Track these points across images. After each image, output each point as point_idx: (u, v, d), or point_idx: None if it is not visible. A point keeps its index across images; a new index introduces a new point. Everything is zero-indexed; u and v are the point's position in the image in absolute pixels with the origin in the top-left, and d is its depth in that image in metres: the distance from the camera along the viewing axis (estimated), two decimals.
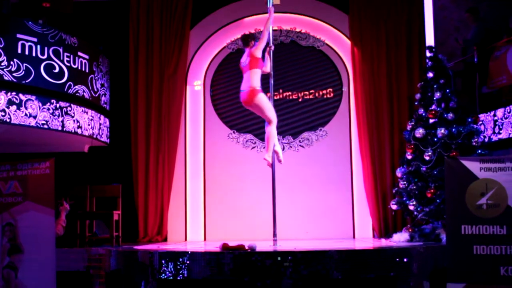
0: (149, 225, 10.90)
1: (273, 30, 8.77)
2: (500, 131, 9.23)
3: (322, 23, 11.46)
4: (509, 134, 9.01)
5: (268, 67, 8.85)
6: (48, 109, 8.85)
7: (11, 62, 8.49)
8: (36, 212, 6.95)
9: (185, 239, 11.04)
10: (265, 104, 8.57)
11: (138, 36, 11.32)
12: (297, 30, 11.47)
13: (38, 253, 6.86)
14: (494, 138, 9.39)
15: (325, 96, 11.38)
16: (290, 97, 11.32)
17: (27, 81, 8.63)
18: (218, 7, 11.52)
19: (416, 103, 9.93)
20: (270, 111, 8.62)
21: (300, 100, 11.34)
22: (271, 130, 8.64)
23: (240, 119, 11.35)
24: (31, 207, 6.98)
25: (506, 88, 9.58)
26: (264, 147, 10.91)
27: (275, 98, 10.48)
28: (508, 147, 9.40)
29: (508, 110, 9.05)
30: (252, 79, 8.53)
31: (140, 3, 11.37)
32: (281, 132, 10.77)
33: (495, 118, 9.38)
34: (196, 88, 11.47)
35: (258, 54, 8.59)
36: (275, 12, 8.93)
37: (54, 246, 6.91)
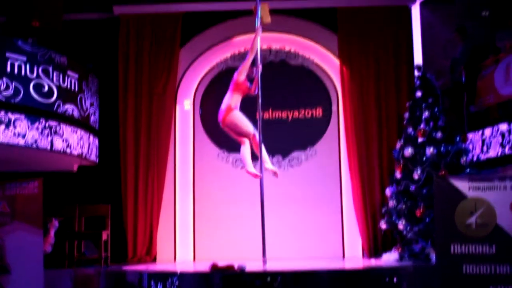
0: (138, 245, 10.84)
1: (263, 50, 8.81)
2: (488, 150, 9.27)
3: (311, 42, 11.51)
4: (497, 153, 9.05)
5: (253, 89, 8.82)
6: (37, 128, 8.82)
7: (0, 81, 8.47)
8: (24, 232, 6.92)
9: (175, 259, 10.98)
10: (239, 119, 8.55)
11: (128, 55, 11.34)
12: (287, 49, 11.52)
13: (26, 274, 6.82)
14: (483, 157, 9.42)
15: (314, 115, 11.41)
16: (280, 117, 11.33)
17: (16, 100, 8.60)
18: (208, 27, 11.56)
19: (404, 122, 9.98)
20: (245, 126, 8.58)
21: (289, 119, 11.37)
22: (244, 149, 8.64)
23: (230, 138, 11.32)
24: (19, 227, 6.94)
25: (494, 107, 9.64)
26: (253, 167, 10.94)
27: (265, 117, 10.52)
28: (496, 166, 9.44)
29: (496, 129, 9.10)
30: (230, 99, 8.54)
31: (130, 22, 11.40)
32: (271, 151, 10.74)
33: (483, 137, 9.43)
34: (185, 107, 11.47)
35: (241, 77, 8.59)
36: (264, 31, 8.94)
37: (42, 266, 6.86)
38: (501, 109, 9.55)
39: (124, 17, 11.42)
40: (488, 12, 10.49)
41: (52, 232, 7.75)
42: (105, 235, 9.60)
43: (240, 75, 8.59)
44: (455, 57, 10.71)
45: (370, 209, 10.81)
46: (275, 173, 8.58)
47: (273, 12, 10.62)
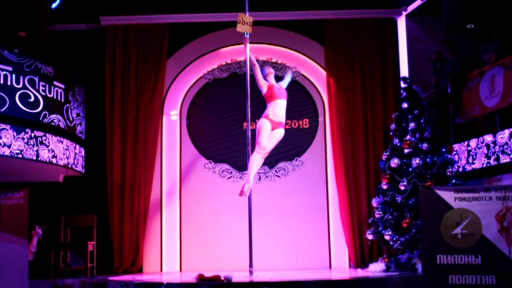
0: (124, 255, 10.79)
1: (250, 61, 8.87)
2: (474, 161, 9.34)
3: (298, 54, 11.56)
4: (483, 164, 9.11)
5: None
6: (23, 138, 8.78)
7: None
8: (9, 243, 6.88)
9: (161, 270, 10.94)
10: (261, 127, 8.60)
11: (114, 66, 11.33)
12: (273, 60, 11.56)
13: (11, 284, 6.76)
14: (468, 168, 9.48)
15: (301, 126, 11.44)
16: None
17: (1, 110, 8.55)
18: (195, 38, 11.58)
19: (391, 133, 10.03)
20: (261, 136, 8.59)
21: None
22: (253, 157, 8.61)
23: (217, 149, 11.35)
24: (4, 238, 6.90)
25: (479, 118, 9.71)
26: (240, 177, 10.96)
27: (252, 128, 10.50)
28: (482, 177, 9.51)
29: (481, 140, 9.16)
30: (268, 109, 8.69)
31: (117, 32, 11.40)
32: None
33: (469, 148, 9.49)
34: (172, 118, 11.47)
35: (264, 90, 8.72)
36: (251, 42, 8.98)
37: (27, 277, 6.82)
38: (486, 120, 9.63)
39: (111, 28, 11.43)
40: (473, 25, 10.58)
41: (34, 240, 7.68)
42: (90, 246, 9.55)
43: (263, 89, 8.71)
44: (441, 68, 10.78)
45: (357, 219, 10.83)
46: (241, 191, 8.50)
47: (260, 23, 10.77)
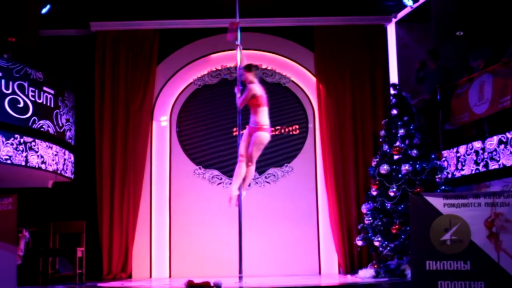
0: (113, 262, 10.75)
1: (240, 67, 8.87)
2: (463, 168, 9.37)
3: (288, 60, 11.59)
4: (472, 170, 9.15)
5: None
6: (12, 144, 8.74)
7: None
8: None
9: (150, 276, 10.90)
10: (264, 144, 8.53)
11: (104, 71, 11.30)
12: (263, 67, 11.56)
13: None
14: (457, 174, 9.52)
15: (291, 133, 11.46)
16: None
17: None
18: (185, 44, 11.58)
19: (380, 139, 10.05)
20: (259, 153, 8.55)
21: None
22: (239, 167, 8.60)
23: (207, 155, 11.35)
24: None
25: (468, 125, 9.76)
26: (230, 183, 10.96)
27: (242, 133, 10.49)
28: (471, 183, 9.54)
29: (470, 147, 9.20)
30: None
31: (106, 38, 11.38)
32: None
33: (458, 154, 9.53)
34: (162, 124, 11.46)
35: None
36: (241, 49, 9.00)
37: (15, 283, 6.78)
38: (475, 127, 9.68)
39: (101, 33, 11.41)
40: (462, 32, 10.63)
41: (22, 244, 7.65)
42: (80, 252, 9.50)
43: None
44: (424, 78, 10.84)
45: (346, 225, 10.84)
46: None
47: (250, 30, 10.81)
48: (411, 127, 9.67)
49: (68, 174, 10.28)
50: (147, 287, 7.52)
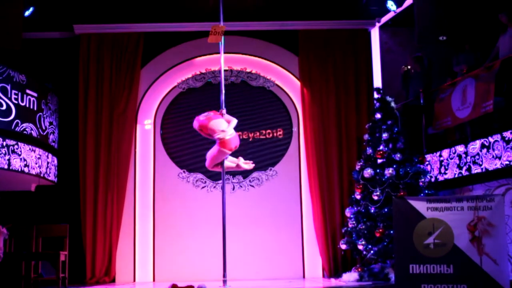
0: (96, 265, 10.69)
1: (224, 70, 8.84)
2: (446, 171, 9.42)
3: (272, 64, 11.60)
4: (455, 174, 9.20)
5: None
6: None
7: None
8: None
9: (134, 280, 10.86)
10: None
11: (88, 74, 11.25)
12: (248, 70, 11.58)
13: None
14: (440, 178, 9.57)
15: (275, 136, 11.47)
16: (241, 137, 11.33)
17: None
18: (169, 47, 11.57)
19: (364, 143, 10.09)
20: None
21: (250, 139, 11.40)
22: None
23: (191, 158, 11.32)
24: None
25: (451, 129, 9.82)
26: (214, 187, 10.99)
27: None
28: (454, 187, 9.59)
29: (453, 151, 9.26)
30: None
31: (91, 40, 11.33)
32: (231, 171, 10.74)
33: (441, 158, 9.58)
34: (146, 127, 11.43)
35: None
36: (225, 52, 8.99)
37: None
38: (458, 131, 9.74)
39: (85, 36, 11.36)
40: (446, 36, 10.70)
41: (1, 241, 7.57)
42: (63, 256, 9.45)
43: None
44: (409, 83, 10.90)
45: (330, 229, 10.86)
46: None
47: (235, 33, 10.81)
48: (395, 131, 9.72)
49: (51, 177, 10.22)
50: None
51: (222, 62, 8.90)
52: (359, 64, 11.50)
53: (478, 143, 8.70)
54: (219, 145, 8.32)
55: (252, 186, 11.31)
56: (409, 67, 11.01)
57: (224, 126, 8.38)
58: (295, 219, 11.19)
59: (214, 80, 11.49)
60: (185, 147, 11.35)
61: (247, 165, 8.91)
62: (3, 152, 8.83)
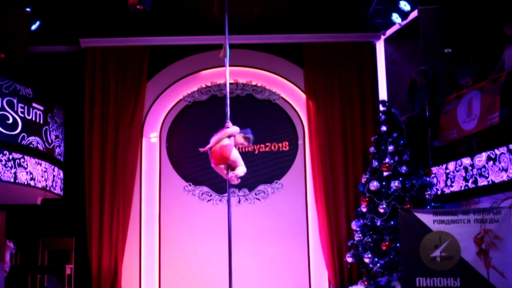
0: (102, 279, 10.67)
1: (230, 84, 8.85)
2: (452, 184, 9.40)
3: (278, 77, 11.62)
4: (461, 187, 9.18)
5: None
6: (1, 160, 8.70)
7: None
8: None
9: None
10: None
11: (94, 88, 11.28)
12: (253, 83, 11.60)
13: None
14: (447, 190, 9.54)
15: (280, 149, 11.47)
16: (246, 150, 11.32)
17: None
18: (175, 60, 11.59)
19: (370, 156, 10.07)
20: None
21: (256, 152, 11.40)
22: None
23: (197, 171, 11.32)
24: None
25: (457, 141, 9.80)
26: (220, 200, 10.97)
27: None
28: (460, 199, 9.56)
29: (459, 163, 9.23)
30: None
31: (96, 54, 11.37)
32: (237, 184, 10.73)
33: (447, 171, 9.56)
34: (152, 140, 11.44)
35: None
36: (231, 65, 8.98)
37: None
38: (464, 143, 9.72)
39: (91, 50, 11.40)
40: (451, 49, 10.71)
41: (7, 255, 7.57)
42: (68, 269, 9.46)
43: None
44: (414, 96, 10.89)
45: (336, 242, 10.83)
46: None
47: (240, 47, 10.83)
48: (401, 144, 9.70)
49: (57, 190, 10.24)
50: None
51: (228, 75, 8.90)
52: (364, 77, 11.50)
53: (484, 155, 8.68)
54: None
55: (258, 199, 11.30)
56: (415, 79, 11.01)
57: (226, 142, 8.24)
58: (301, 231, 11.17)
59: (219, 93, 11.51)
60: (191, 160, 11.35)
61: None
62: (10, 165, 8.85)
